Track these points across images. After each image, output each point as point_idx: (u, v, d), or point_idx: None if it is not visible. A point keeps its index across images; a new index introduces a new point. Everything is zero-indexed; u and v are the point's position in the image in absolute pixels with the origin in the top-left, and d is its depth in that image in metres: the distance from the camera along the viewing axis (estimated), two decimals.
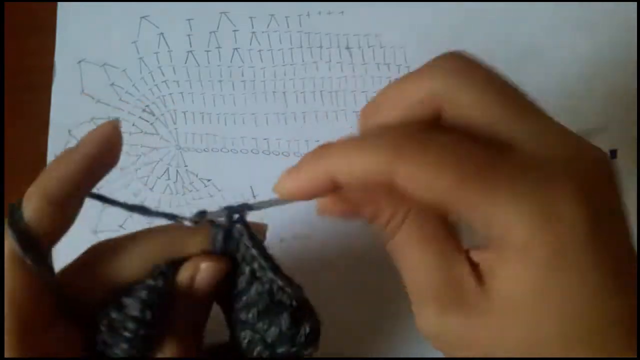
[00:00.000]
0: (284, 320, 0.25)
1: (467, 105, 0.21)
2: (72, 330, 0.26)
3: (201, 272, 0.26)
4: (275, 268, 0.26)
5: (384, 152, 0.20)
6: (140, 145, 0.40)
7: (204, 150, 0.40)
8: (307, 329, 0.26)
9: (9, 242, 0.23)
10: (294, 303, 0.26)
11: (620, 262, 0.20)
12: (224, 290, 0.27)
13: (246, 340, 0.26)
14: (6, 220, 0.23)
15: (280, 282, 0.26)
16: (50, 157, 0.40)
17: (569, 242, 0.19)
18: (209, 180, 0.40)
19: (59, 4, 0.42)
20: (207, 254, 0.26)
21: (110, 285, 0.26)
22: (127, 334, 0.25)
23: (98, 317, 0.25)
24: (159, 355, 0.25)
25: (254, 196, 0.39)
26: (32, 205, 0.24)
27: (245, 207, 0.26)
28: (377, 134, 0.21)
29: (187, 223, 0.26)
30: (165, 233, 0.27)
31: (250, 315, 0.26)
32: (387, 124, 0.22)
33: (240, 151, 0.40)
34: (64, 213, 0.24)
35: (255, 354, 0.26)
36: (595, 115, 0.38)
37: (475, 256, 0.22)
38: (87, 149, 0.24)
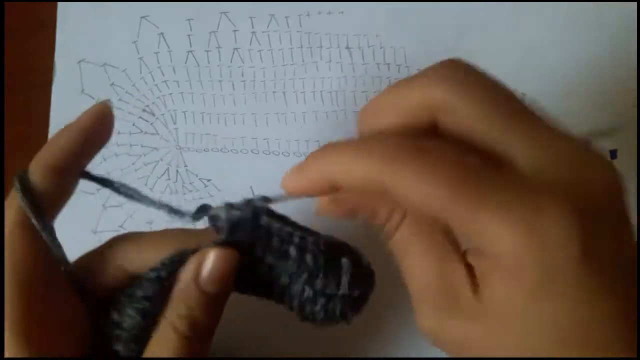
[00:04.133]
0: (345, 264, 0.25)
1: (465, 116, 0.21)
2: (79, 311, 0.26)
3: (208, 261, 0.25)
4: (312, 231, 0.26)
5: (378, 163, 0.20)
6: (140, 145, 0.40)
7: (204, 150, 0.40)
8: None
9: (15, 210, 0.24)
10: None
11: (618, 286, 0.19)
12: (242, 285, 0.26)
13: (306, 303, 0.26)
14: (15, 187, 0.24)
15: (324, 238, 0.26)
16: None
17: (560, 264, 0.19)
18: (209, 180, 0.40)
19: (59, 4, 0.42)
20: (217, 244, 0.25)
21: (122, 275, 0.27)
22: (125, 325, 0.25)
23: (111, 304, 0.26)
24: (151, 348, 0.25)
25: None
26: (38, 174, 0.25)
27: (265, 200, 0.26)
28: (373, 142, 0.21)
29: (187, 219, 0.26)
30: (185, 231, 0.28)
31: (313, 280, 0.25)
32: (385, 129, 0.22)
33: (240, 151, 0.40)
34: (66, 183, 0.26)
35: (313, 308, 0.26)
36: (595, 116, 0.38)
37: (472, 259, 0.22)
38: (83, 123, 0.26)
